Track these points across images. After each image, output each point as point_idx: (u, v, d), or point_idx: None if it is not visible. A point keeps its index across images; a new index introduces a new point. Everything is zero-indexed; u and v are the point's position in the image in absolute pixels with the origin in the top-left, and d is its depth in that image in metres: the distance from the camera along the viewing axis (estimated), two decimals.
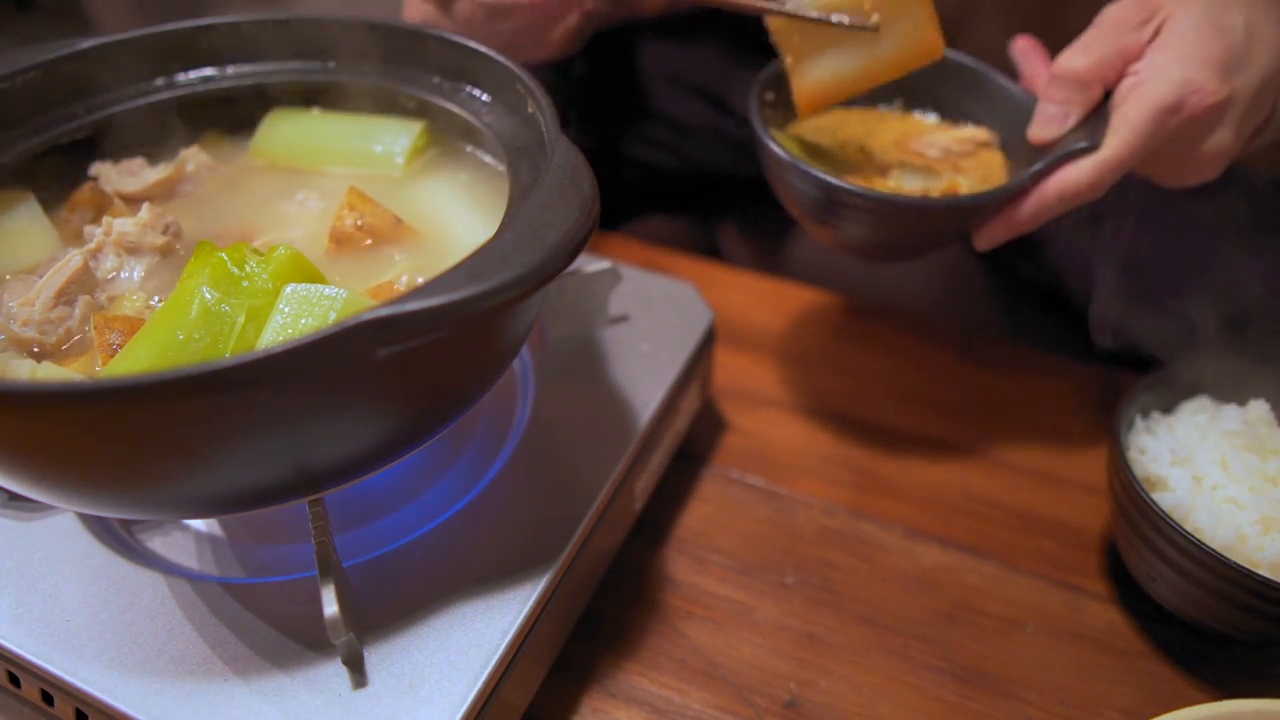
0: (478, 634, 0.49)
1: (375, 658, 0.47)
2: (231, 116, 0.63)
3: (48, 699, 0.49)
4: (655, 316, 0.70)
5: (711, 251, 1.23)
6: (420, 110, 0.62)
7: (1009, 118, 0.69)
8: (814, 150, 0.70)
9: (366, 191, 0.56)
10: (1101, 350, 0.84)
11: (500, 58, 0.56)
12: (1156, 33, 0.59)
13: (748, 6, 0.62)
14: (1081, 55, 0.60)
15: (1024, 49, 0.69)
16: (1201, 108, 0.57)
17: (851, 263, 1.03)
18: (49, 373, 0.47)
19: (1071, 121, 0.61)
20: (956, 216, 0.61)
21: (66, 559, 0.52)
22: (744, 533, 0.68)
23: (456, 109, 0.59)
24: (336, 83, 0.63)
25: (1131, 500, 0.58)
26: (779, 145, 0.62)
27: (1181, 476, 0.59)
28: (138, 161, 0.61)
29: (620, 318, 0.69)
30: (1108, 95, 0.61)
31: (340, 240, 0.55)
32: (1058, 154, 0.59)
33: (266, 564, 0.54)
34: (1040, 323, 0.92)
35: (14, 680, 0.50)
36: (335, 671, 0.47)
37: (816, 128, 0.72)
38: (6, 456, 0.40)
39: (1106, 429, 0.62)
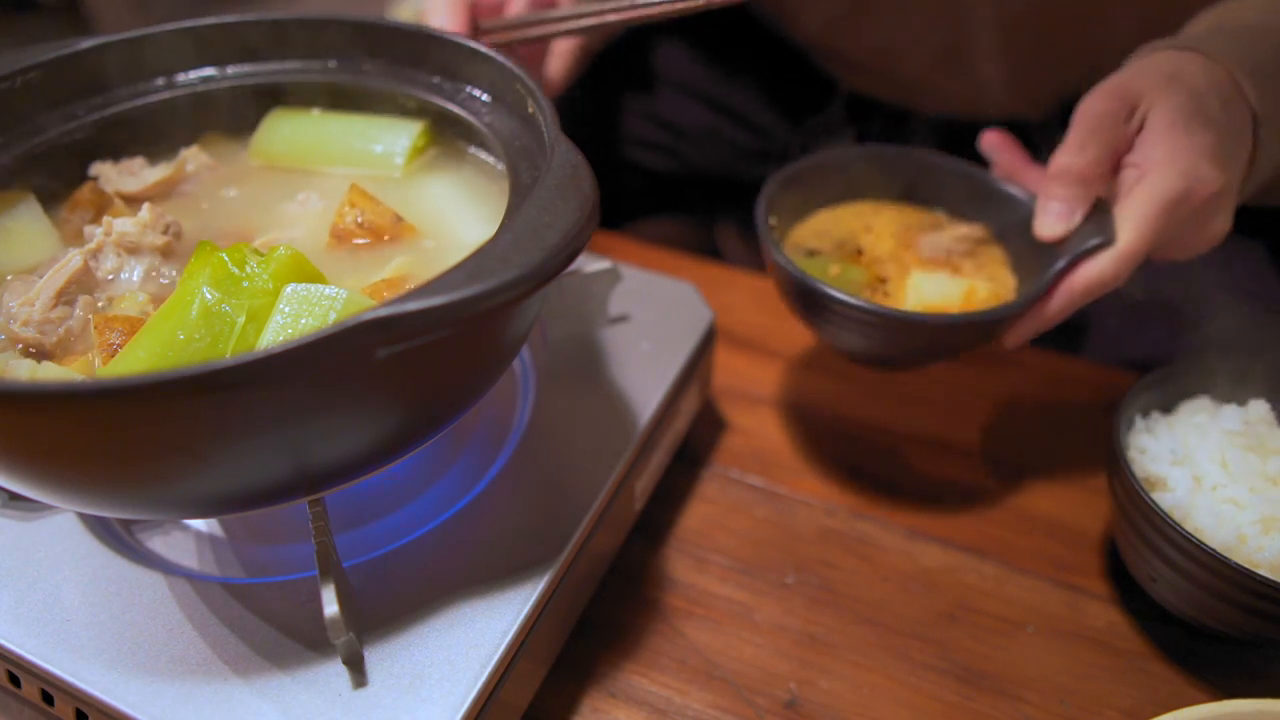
0: (478, 634, 0.49)
1: (375, 658, 0.47)
2: (231, 116, 0.63)
3: (48, 699, 0.49)
4: (655, 316, 0.70)
5: (711, 251, 1.23)
6: (420, 110, 0.62)
7: (1000, 211, 0.71)
8: (820, 259, 0.70)
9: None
10: (1101, 351, 0.84)
11: (500, 58, 0.56)
12: (1142, 124, 0.61)
13: None
14: (1079, 153, 0.61)
15: (996, 143, 0.71)
16: (1204, 196, 0.59)
17: None
18: (49, 373, 0.47)
19: (1078, 218, 0.62)
20: (991, 328, 0.63)
21: (66, 559, 0.52)
22: (744, 533, 0.68)
23: (456, 109, 0.59)
24: (336, 83, 0.63)
25: (1131, 500, 0.58)
26: (814, 278, 0.62)
27: (1181, 476, 0.59)
28: (138, 161, 0.61)
29: (620, 318, 0.69)
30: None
31: (341, 237, 0.55)
32: (1075, 251, 0.61)
33: (266, 564, 0.54)
34: None
35: (14, 680, 0.50)
36: (335, 671, 0.47)
37: (815, 232, 0.73)
38: (6, 456, 0.40)
39: (1106, 429, 0.62)
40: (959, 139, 0.99)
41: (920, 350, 0.65)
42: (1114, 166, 0.62)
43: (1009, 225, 0.70)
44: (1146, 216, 0.59)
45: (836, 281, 0.67)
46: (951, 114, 0.99)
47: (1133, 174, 0.61)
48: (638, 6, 0.63)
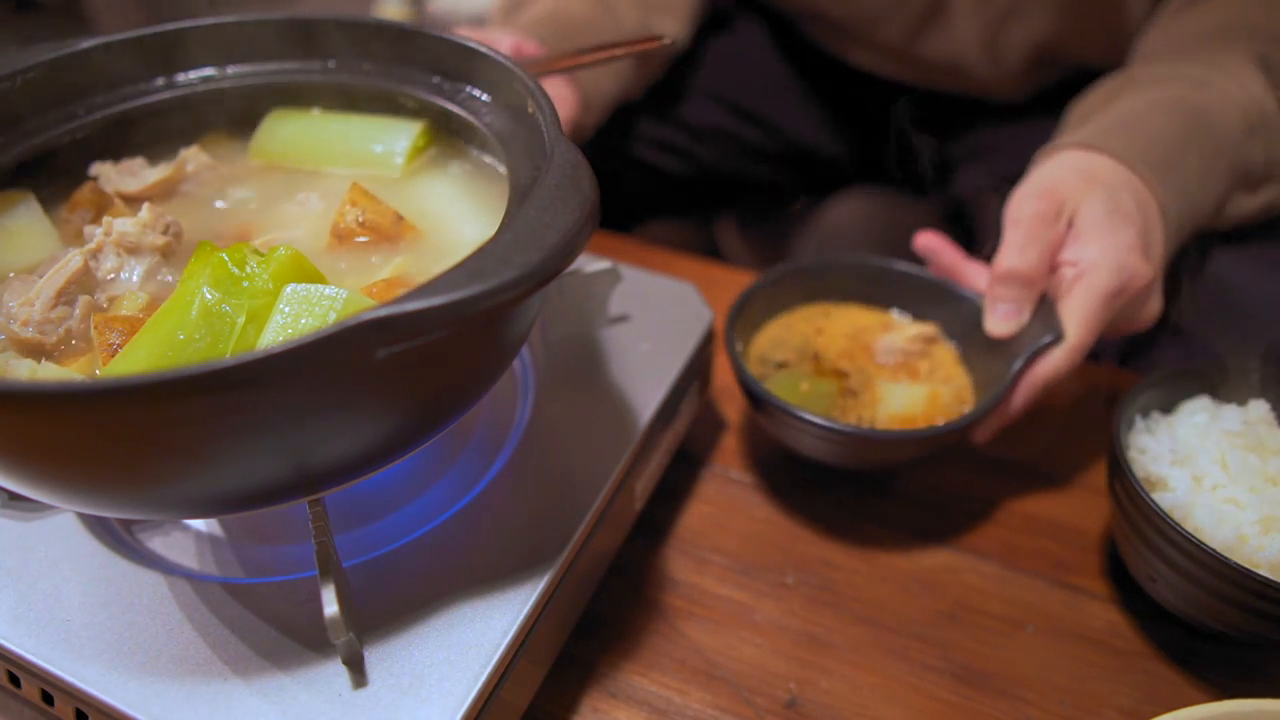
0: (478, 634, 0.49)
1: (375, 658, 0.47)
2: (231, 116, 0.63)
3: (48, 699, 0.49)
4: (655, 316, 0.70)
5: (711, 251, 1.23)
6: (420, 110, 0.62)
7: (946, 307, 0.74)
8: (786, 374, 0.72)
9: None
10: (1101, 350, 0.84)
11: (500, 58, 0.56)
12: (1070, 223, 0.66)
13: None
14: (1020, 256, 0.65)
15: (930, 246, 0.75)
16: (1137, 287, 0.64)
17: None
18: (49, 373, 0.47)
19: (1026, 317, 0.66)
20: (965, 433, 0.66)
21: (66, 559, 0.52)
22: (744, 533, 0.68)
23: (456, 109, 0.59)
24: (336, 83, 0.63)
25: (1131, 500, 0.58)
26: (800, 410, 0.64)
27: (1181, 476, 0.59)
28: (138, 161, 0.61)
29: (620, 318, 0.69)
30: None
31: (341, 236, 0.55)
32: (1029, 350, 0.65)
33: (266, 564, 0.54)
34: None
35: (14, 680, 0.50)
36: (335, 671, 0.47)
37: (773, 340, 0.75)
38: (6, 456, 0.40)
39: (1106, 429, 0.62)
40: (940, 111, 1.02)
41: (899, 461, 0.70)
42: (1051, 265, 0.66)
43: (955, 321, 0.73)
44: (1090, 313, 0.63)
45: (808, 398, 0.70)
46: (930, 86, 1.01)
47: (1070, 272, 0.65)
48: (584, 52, 0.68)
